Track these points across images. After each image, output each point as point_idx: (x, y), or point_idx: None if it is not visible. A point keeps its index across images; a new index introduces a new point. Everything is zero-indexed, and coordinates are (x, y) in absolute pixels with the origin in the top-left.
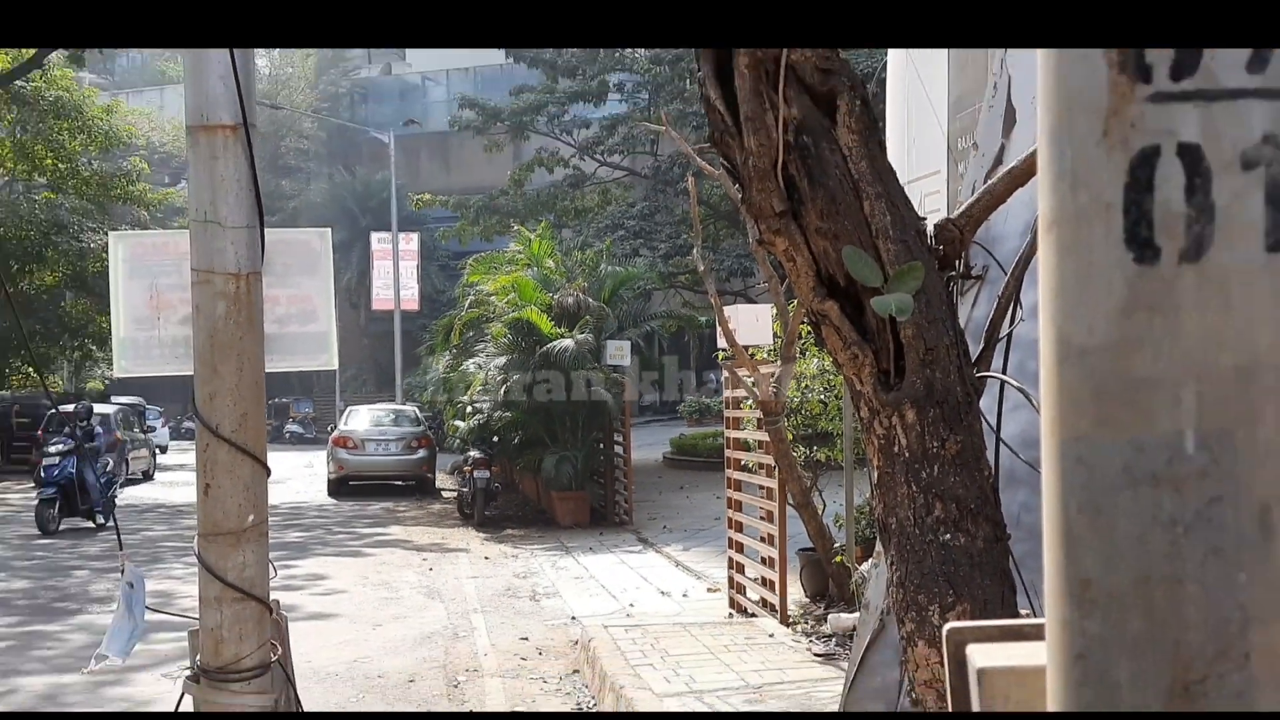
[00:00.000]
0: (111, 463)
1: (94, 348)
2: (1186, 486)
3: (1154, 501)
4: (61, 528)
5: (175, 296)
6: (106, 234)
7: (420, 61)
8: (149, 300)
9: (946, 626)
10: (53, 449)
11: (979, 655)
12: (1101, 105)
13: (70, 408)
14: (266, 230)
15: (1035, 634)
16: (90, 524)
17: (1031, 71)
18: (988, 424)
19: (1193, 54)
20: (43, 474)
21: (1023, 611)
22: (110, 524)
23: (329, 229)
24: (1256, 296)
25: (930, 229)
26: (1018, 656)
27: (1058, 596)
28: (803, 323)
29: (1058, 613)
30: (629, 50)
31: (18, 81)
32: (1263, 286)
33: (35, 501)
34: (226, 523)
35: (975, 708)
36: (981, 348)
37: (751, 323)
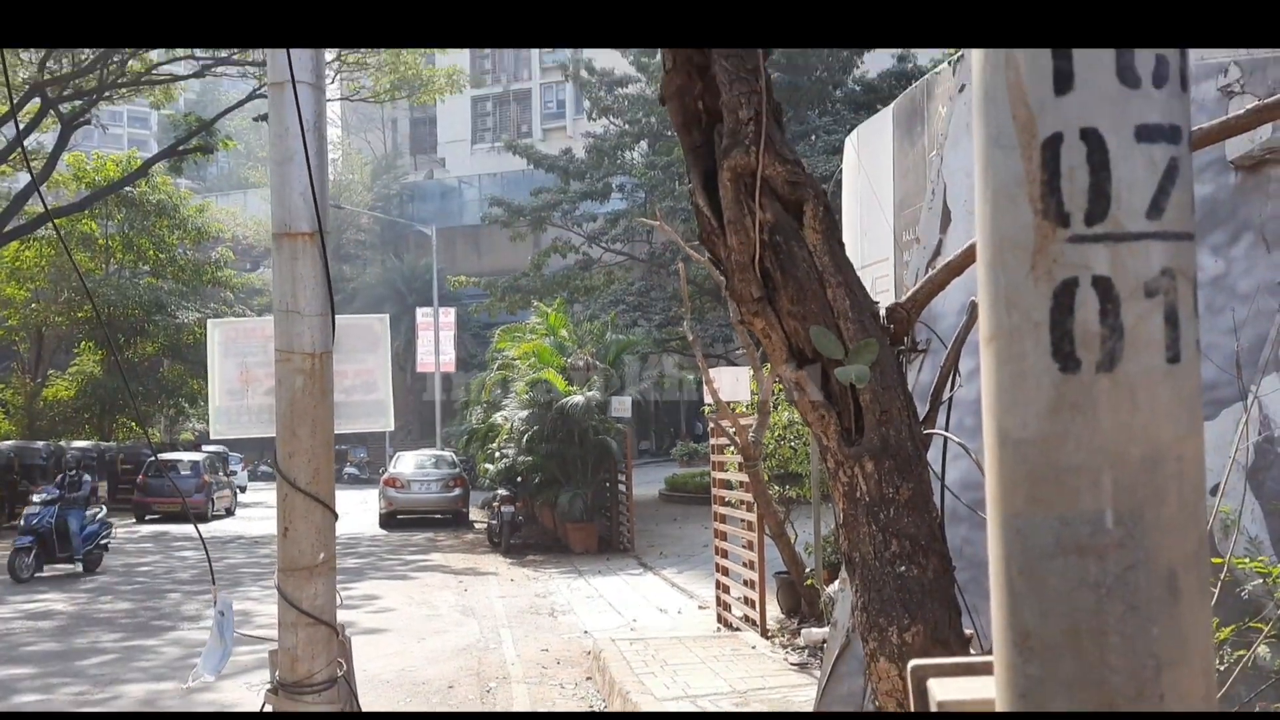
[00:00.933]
0: (103, 511)
1: (186, 405)
2: (1107, 555)
3: (1080, 567)
4: (43, 574)
5: (261, 372)
6: (199, 311)
7: (457, 168)
8: (239, 375)
9: (911, 663)
10: (36, 498)
11: (939, 689)
12: (1029, 245)
13: (177, 455)
14: (336, 316)
15: (985, 669)
16: (78, 569)
17: (963, 179)
18: (934, 472)
19: (1102, 204)
20: (23, 522)
21: (967, 631)
22: (94, 573)
23: (387, 315)
24: (1159, 399)
25: (882, 311)
26: (971, 690)
27: (1004, 644)
28: (775, 382)
29: (1004, 657)
30: (629, 157)
31: (127, 187)
32: (1164, 391)
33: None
34: (301, 559)
35: None
36: (928, 408)
37: (732, 383)
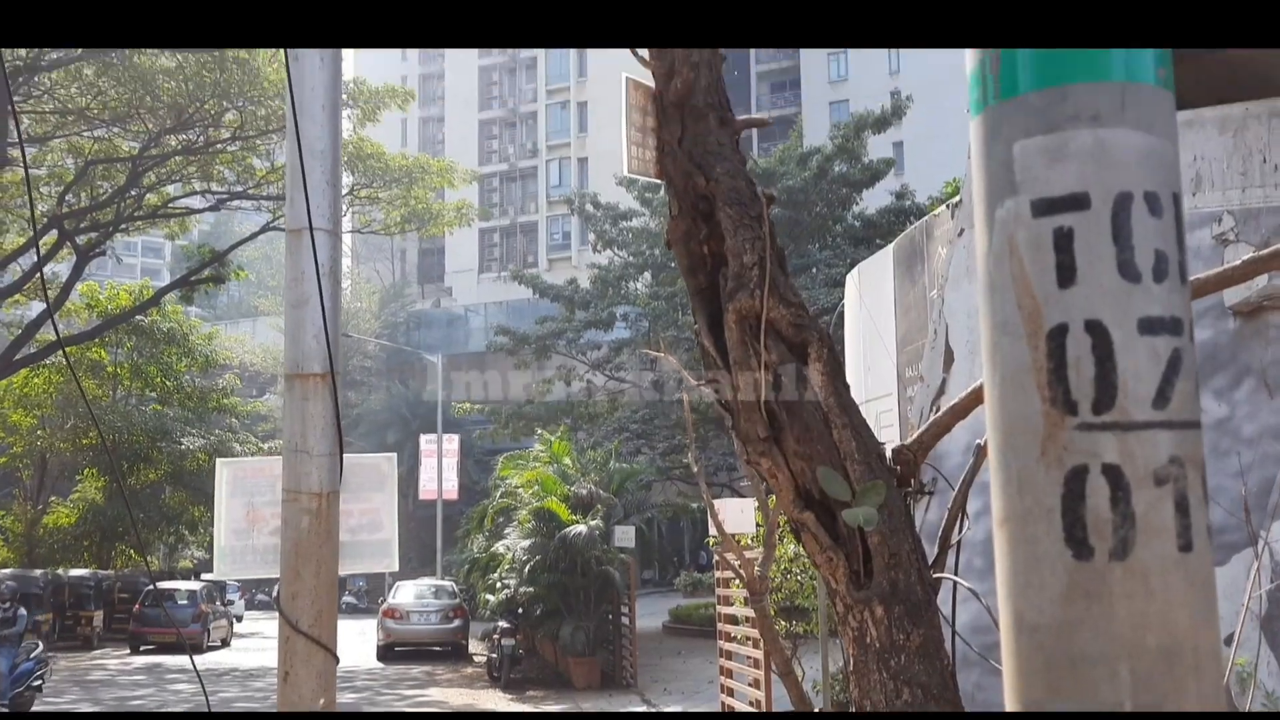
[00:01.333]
0: (40, 647)
1: (186, 532)
2: None
3: None
4: None
5: (267, 511)
6: (203, 438)
7: (464, 297)
8: (246, 514)
9: None
10: None
11: None
12: (1038, 431)
13: (174, 584)
14: (344, 454)
15: None
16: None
17: (964, 319)
18: (944, 617)
19: (1109, 393)
20: None
21: None
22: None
23: (395, 455)
24: (1173, 588)
25: (889, 452)
26: None
27: None
28: (780, 514)
29: None
30: (632, 287)
31: (138, 316)
32: (1178, 580)
33: None
34: (301, 705)
35: None
36: (937, 552)
37: (737, 514)
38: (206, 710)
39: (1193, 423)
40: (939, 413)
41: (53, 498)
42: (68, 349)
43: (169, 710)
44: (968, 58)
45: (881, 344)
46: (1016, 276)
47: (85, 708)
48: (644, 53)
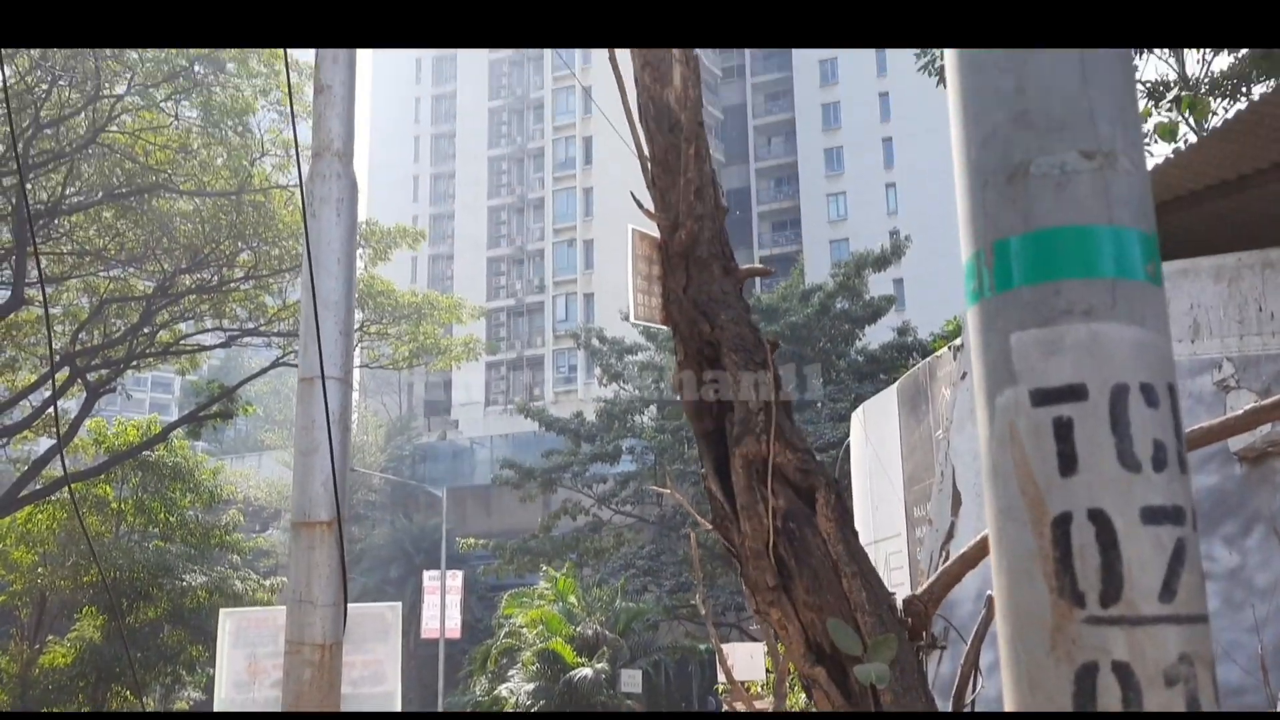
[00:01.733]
0: None
1: (183, 672)
2: None
3: None
4: None
5: (269, 663)
6: (205, 574)
7: (470, 429)
8: (248, 666)
9: None
10: None
11: None
12: (1047, 622)
13: None
14: (348, 604)
15: None
16: None
17: (970, 461)
18: None
19: (1115, 584)
20: None
21: None
22: None
23: (399, 604)
24: None
25: (899, 603)
26: None
27: None
28: (790, 661)
29: None
30: (638, 421)
31: (145, 452)
32: None
33: None
34: None
35: None
36: (950, 709)
37: (747, 660)
38: None
39: (1200, 617)
40: (948, 560)
41: (50, 636)
42: (73, 485)
43: None
44: (963, 249)
45: (888, 482)
46: (1018, 463)
47: None
48: (649, 204)
